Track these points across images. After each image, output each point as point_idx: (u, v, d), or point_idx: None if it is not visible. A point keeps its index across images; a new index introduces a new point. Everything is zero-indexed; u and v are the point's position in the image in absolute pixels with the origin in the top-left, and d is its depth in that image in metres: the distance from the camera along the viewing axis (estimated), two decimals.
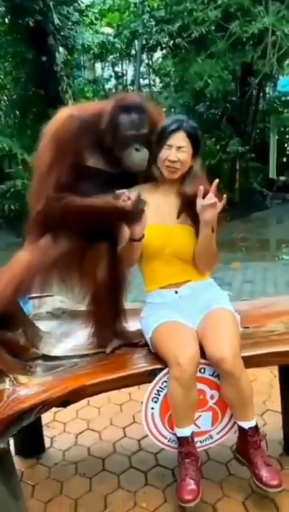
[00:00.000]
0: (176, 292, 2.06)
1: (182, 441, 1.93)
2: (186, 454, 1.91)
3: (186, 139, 1.98)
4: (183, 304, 2.04)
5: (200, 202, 1.92)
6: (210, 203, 1.91)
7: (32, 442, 2.40)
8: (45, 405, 1.80)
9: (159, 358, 1.95)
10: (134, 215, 1.89)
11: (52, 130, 1.94)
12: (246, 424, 1.93)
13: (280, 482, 1.85)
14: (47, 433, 2.52)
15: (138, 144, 1.92)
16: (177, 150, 1.96)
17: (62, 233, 1.95)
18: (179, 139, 1.97)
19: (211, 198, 1.91)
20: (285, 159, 16.11)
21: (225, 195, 1.96)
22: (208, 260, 2.07)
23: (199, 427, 2.01)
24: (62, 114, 1.96)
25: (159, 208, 2.02)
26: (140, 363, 1.98)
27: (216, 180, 1.96)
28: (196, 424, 1.99)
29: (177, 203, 2.03)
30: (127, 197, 1.85)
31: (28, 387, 1.85)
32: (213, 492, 2.07)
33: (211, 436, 2.04)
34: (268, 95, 13.82)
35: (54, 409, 2.05)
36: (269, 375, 2.91)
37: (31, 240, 2.01)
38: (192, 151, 2.00)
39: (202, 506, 1.98)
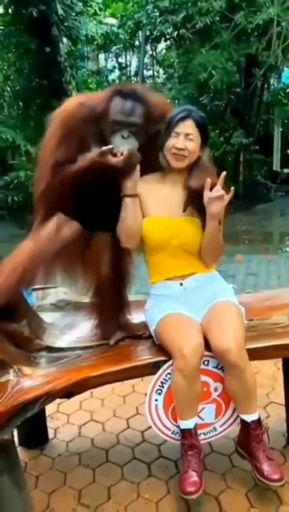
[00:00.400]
0: (181, 284, 2.05)
1: (185, 434, 1.93)
2: (189, 446, 1.92)
3: (194, 127, 1.97)
4: (188, 296, 2.04)
5: (207, 194, 1.91)
6: (217, 195, 1.89)
7: (36, 433, 2.41)
8: (49, 396, 1.80)
9: (163, 350, 1.95)
10: (126, 169, 1.87)
11: (60, 116, 1.94)
12: (249, 418, 1.93)
13: (281, 476, 1.85)
14: (50, 424, 2.53)
15: (126, 131, 1.88)
16: (185, 138, 1.95)
17: (65, 212, 1.95)
18: (187, 127, 1.96)
19: (219, 190, 1.90)
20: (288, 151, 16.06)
21: (232, 188, 1.95)
22: (214, 252, 2.06)
23: (203, 419, 2.01)
24: (72, 102, 1.97)
25: (166, 199, 2.01)
26: (144, 355, 1.98)
27: (224, 173, 1.94)
28: (199, 417, 1.99)
29: (184, 195, 2.01)
30: (119, 152, 1.83)
31: (32, 379, 1.85)
32: (216, 484, 2.07)
33: (214, 429, 2.04)
34: (272, 87, 13.73)
35: (58, 400, 2.07)
36: (273, 368, 2.91)
37: (37, 225, 2.01)
38: (200, 141, 1.99)
39: (205, 498, 1.99)
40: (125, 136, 1.88)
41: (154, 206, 2.01)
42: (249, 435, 1.93)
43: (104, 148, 1.82)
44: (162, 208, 2.00)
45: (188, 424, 1.92)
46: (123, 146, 1.86)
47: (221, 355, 1.87)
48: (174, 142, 1.95)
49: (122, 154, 1.83)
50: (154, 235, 1.99)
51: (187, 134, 1.95)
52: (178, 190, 2.03)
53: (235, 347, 1.84)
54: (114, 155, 1.83)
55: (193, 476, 1.86)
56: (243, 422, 1.95)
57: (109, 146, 1.83)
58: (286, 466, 2.14)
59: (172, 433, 2.00)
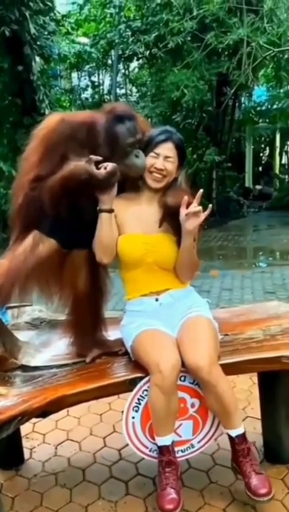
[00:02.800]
0: (157, 300, 2.06)
1: (163, 450, 1.92)
2: (166, 462, 1.91)
3: (173, 150, 2.01)
4: (163, 312, 2.05)
5: (183, 211, 1.93)
6: (194, 211, 1.92)
7: (11, 454, 2.36)
8: (25, 416, 1.79)
9: (139, 367, 1.95)
10: (105, 184, 1.89)
11: (42, 133, 1.96)
12: (232, 432, 1.93)
13: (268, 490, 1.84)
14: (26, 444, 2.49)
15: (136, 149, 1.96)
16: (164, 159, 1.99)
17: (42, 229, 1.96)
18: (167, 149, 2.00)
19: (196, 206, 1.93)
20: (260, 168, 16.37)
21: (210, 205, 2.00)
22: (189, 269, 2.08)
23: (180, 436, 2.01)
24: (53, 118, 1.97)
25: (141, 217, 2.03)
26: (120, 372, 1.98)
27: (201, 191, 1.98)
28: (176, 433, 1.99)
29: (159, 212, 2.03)
30: (103, 166, 1.85)
31: (7, 398, 1.83)
32: (194, 500, 2.06)
33: (192, 445, 2.04)
34: (243, 105, 14.03)
35: (33, 420, 2.04)
36: (248, 382, 2.93)
37: (13, 242, 2.01)
38: (178, 163, 2.03)
39: None
40: (138, 155, 1.96)
41: (129, 223, 2.02)
42: (235, 450, 1.93)
43: (93, 156, 1.84)
44: (138, 225, 2.02)
45: (165, 440, 1.91)
46: (141, 163, 1.97)
47: (193, 372, 1.88)
48: (154, 162, 1.98)
49: (105, 168, 1.85)
50: (130, 251, 2.01)
51: (167, 157, 1.99)
52: (153, 208, 2.05)
53: (207, 363, 1.85)
54: (98, 167, 1.85)
55: (172, 493, 1.85)
56: (229, 437, 1.95)
57: (98, 157, 1.85)
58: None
59: (150, 451, 1.99)
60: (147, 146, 2.00)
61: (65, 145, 1.91)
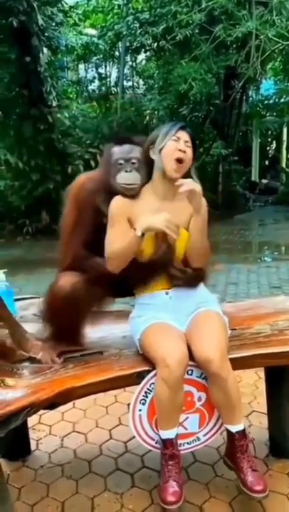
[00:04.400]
0: (167, 293, 2.06)
1: (166, 444, 1.92)
2: (169, 456, 1.91)
3: (188, 137, 2.03)
4: (173, 305, 2.05)
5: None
6: (187, 189, 1.92)
7: (18, 445, 2.38)
8: (33, 408, 1.79)
9: (146, 360, 1.95)
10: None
11: (72, 192, 2.15)
12: (233, 428, 1.93)
13: (264, 487, 1.85)
14: (33, 435, 2.50)
15: (128, 166, 2.04)
16: (184, 144, 2.00)
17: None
18: (185, 135, 2.02)
19: (186, 184, 1.92)
20: (267, 162, 16.30)
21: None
22: (200, 253, 2.06)
23: (186, 429, 2.02)
24: (80, 178, 2.19)
25: (158, 211, 2.00)
26: (128, 365, 1.98)
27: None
28: (183, 426, 2.00)
29: (175, 207, 2.02)
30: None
31: (16, 390, 1.84)
32: (199, 493, 2.08)
33: (198, 438, 2.05)
34: (251, 99, 13.94)
35: (40, 411, 2.05)
36: (254, 377, 2.93)
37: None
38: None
39: (189, 508, 1.99)
40: (128, 170, 2.03)
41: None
42: (234, 445, 1.93)
43: None
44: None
45: (169, 434, 1.92)
46: (126, 177, 2.03)
47: (203, 365, 1.88)
48: (176, 145, 1.98)
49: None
50: (148, 251, 2.02)
51: (186, 141, 2.00)
52: (170, 204, 2.04)
53: (218, 357, 1.85)
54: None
55: (174, 486, 1.86)
56: (229, 432, 1.96)
57: None
58: (269, 475, 2.15)
59: (156, 443, 2.00)
60: (166, 132, 2.01)
61: (93, 198, 2.08)
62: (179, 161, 1.97)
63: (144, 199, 2.05)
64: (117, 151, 2.07)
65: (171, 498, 1.83)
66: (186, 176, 2.02)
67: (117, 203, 2.03)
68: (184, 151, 1.98)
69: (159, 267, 2.04)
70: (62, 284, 2.01)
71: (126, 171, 2.03)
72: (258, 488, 1.84)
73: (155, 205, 2.03)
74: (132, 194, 2.04)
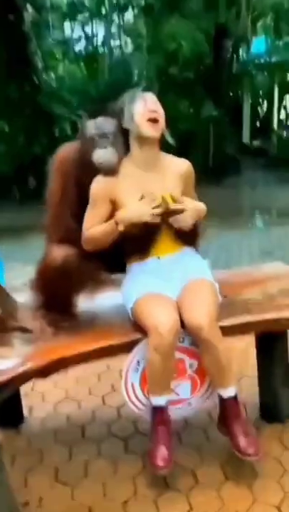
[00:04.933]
0: (159, 258, 2.05)
1: (157, 409, 1.94)
2: (159, 421, 1.93)
3: (155, 99, 2.02)
4: (164, 270, 2.04)
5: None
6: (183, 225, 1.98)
7: (11, 412, 2.39)
8: (25, 377, 1.79)
9: (138, 329, 1.94)
10: None
11: (56, 164, 2.09)
12: (225, 393, 1.93)
13: (256, 450, 1.86)
14: (26, 403, 2.51)
15: (104, 143, 1.97)
16: (152, 103, 1.98)
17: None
18: (151, 96, 2.02)
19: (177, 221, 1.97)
20: (258, 124, 16.13)
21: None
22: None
23: (178, 395, 2.03)
24: (63, 149, 2.12)
25: (144, 186, 1.98)
26: (120, 334, 1.97)
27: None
28: (175, 392, 2.01)
29: (159, 176, 2.03)
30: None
31: (7, 360, 1.83)
32: (191, 457, 2.11)
33: (189, 404, 2.07)
34: (241, 58, 13.67)
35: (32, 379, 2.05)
36: (245, 342, 2.94)
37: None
38: None
39: (181, 471, 2.02)
40: (103, 147, 1.97)
41: (132, 196, 1.98)
42: (226, 411, 1.94)
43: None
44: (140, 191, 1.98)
45: (159, 400, 1.93)
46: (101, 154, 1.96)
47: (194, 331, 1.88)
48: (143, 105, 1.97)
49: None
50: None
51: (152, 98, 2.00)
52: (153, 173, 2.03)
53: (207, 323, 1.85)
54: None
55: (164, 451, 1.88)
56: (220, 398, 1.96)
57: None
58: (260, 439, 2.18)
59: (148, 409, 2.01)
60: (132, 98, 1.99)
61: (76, 171, 2.04)
62: (153, 120, 1.96)
63: (126, 174, 2.01)
64: (91, 125, 2.01)
65: (161, 462, 1.86)
66: (161, 137, 2.02)
67: (99, 184, 2.00)
68: (155, 110, 1.97)
69: (149, 236, 2.01)
70: (54, 257, 1.98)
71: (101, 148, 1.97)
72: (250, 451, 1.86)
73: (139, 179, 2.00)
74: (111, 171, 1.99)
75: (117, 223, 1.92)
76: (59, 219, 2.06)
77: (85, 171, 2.01)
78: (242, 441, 1.88)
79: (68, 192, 2.04)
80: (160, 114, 1.98)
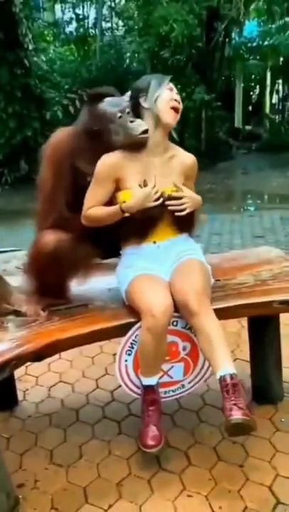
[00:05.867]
0: (155, 242, 2.06)
1: (148, 390, 1.96)
2: (150, 401, 1.95)
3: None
4: (160, 253, 2.05)
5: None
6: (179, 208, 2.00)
7: (5, 396, 2.40)
8: (19, 360, 1.79)
9: (132, 312, 1.95)
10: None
11: (50, 150, 2.05)
12: (220, 372, 1.80)
13: (243, 413, 1.69)
14: (20, 386, 2.53)
15: (128, 116, 1.98)
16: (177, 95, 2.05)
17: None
18: (174, 88, 2.07)
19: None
20: (250, 108, 16.06)
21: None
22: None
23: (172, 377, 2.05)
24: (57, 135, 2.08)
25: (147, 170, 2.01)
26: (114, 317, 1.98)
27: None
28: (168, 375, 2.03)
29: (165, 163, 2.06)
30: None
31: (1, 343, 1.84)
32: (184, 439, 2.14)
33: (182, 386, 2.09)
34: (233, 41, 13.56)
35: (26, 363, 2.06)
36: (237, 326, 2.98)
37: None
38: None
39: (174, 453, 2.05)
40: (132, 120, 1.97)
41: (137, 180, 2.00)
42: (221, 389, 1.79)
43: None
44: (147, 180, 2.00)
45: (151, 381, 1.95)
46: (138, 126, 1.95)
47: (182, 307, 1.88)
48: (172, 95, 2.02)
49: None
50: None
51: (177, 93, 2.05)
52: (160, 160, 2.05)
53: (193, 296, 1.85)
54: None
55: (154, 431, 1.91)
56: (218, 381, 1.82)
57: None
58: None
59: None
60: (161, 82, 2.02)
61: (71, 157, 2.01)
62: (176, 110, 2.02)
63: (135, 156, 2.01)
64: (108, 105, 1.99)
65: (151, 441, 1.89)
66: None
67: (105, 163, 1.99)
68: (180, 101, 2.03)
69: (149, 221, 2.02)
70: (46, 242, 1.97)
71: (132, 121, 1.96)
72: (235, 412, 1.70)
73: (145, 162, 2.02)
74: (142, 143, 2.00)
75: (123, 211, 1.94)
76: (52, 205, 2.03)
77: (81, 155, 2.00)
78: (233, 412, 1.71)
79: (62, 179, 2.02)
80: (181, 106, 2.04)
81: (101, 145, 1.99)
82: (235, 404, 1.73)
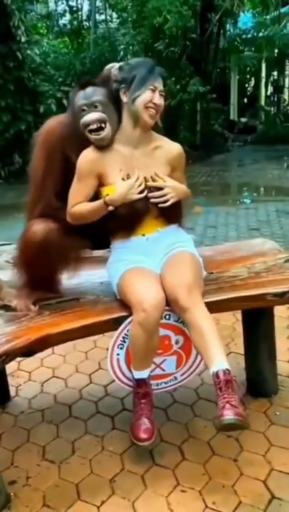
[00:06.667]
0: (144, 235, 2.03)
1: (139, 383, 1.94)
2: (142, 394, 1.93)
3: (162, 86, 1.98)
4: (149, 246, 2.03)
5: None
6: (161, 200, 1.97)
7: None
8: (9, 355, 1.77)
9: (124, 306, 1.93)
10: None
11: (41, 138, 2.03)
12: (214, 368, 1.77)
13: (235, 413, 1.66)
14: (12, 382, 2.50)
15: (92, 112, 1.91)
16: (159, 94, 1.94)
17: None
18: (160, 83, 1.96)
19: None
20: (245, 100, 16.01)
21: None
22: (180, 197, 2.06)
23: (164, 370, 2.03)
24: (48, 123, 2.06)
25: (128, 163, 1.97)
26: (105, 311, 1.96)
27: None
28: (160, 368, 2.01)
29: (149, 156, 2.01)
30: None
31: None
32: (178, 434, 2.12)
33: (175, 378, 2.07)
34: (228, 33, 13.48)
35: (18, 358, 2.03)
36: (232, 319, 2.96)
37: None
38: None
39: (168, 448, 2.03)
40: (89, 111, 1.92)
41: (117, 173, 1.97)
42: (214, 385, 1.76)
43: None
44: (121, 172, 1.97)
45: (142, 374, 1.94)
46: (88, 119, 1.89)
47: (173, 302, 1.86)
48: (152, 97, 1.92)
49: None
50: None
51: (160, 91, 1.95)
52: (143, 153, 2.01)
53: (184, 291, 1.82)
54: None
55: (146, 424, 1.89)
56: (212, 377, 1.79)
57: None
58: (246, 414, 2.19)
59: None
60: (143, 79, 1.91)
61: (63, 146, 1.98)
62: (153, 111, 1.95)
63: (115, 149, 1.98)
64: (80, 96, 1.93)
65: (144, 434, 1.87)
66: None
67: (86, 158, 1.96)
68: (159, 105, 1.95)
69: (136, 214, 1.99)
70: (34, 231, 1.94)
71: (83, 115, 1.91)
72: (227, 412, 1.66)
73: (126, 156, 1.99)
74: (102, 145, 1.95)
75: (107, 204, 1.90)
76: (41, 194, 2.01)
77: (72, 145, 1.96)
78: (225, 410, 1.68)
79: (53, 167, 1.99)
80: (162, 105, 1.96)
81: (84, 136, 1.95)
82: (228, 402, 1.70)
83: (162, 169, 2.03)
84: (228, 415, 1.66)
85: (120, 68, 1.98)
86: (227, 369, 1.77)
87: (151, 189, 1.97)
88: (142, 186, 1.93)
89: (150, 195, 1.96)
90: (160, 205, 1.98)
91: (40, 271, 2.00)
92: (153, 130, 2.05)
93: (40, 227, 1.94)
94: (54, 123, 2.04)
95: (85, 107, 1.91)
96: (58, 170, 1.99)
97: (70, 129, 1.97)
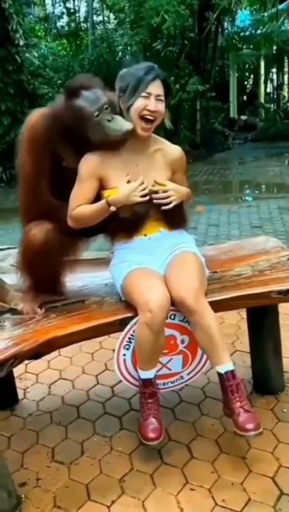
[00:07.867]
0: (146, 235, 2.05)
1: (146, 383, 1.95)
2: (149, 394, 1.94)
3: (161, 87, 1.92)
4: (152, 246, 2.04)
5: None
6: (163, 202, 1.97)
7: (5, 394, 2.39)
8: (17, 359, 1.78)
9: (129, 307, 1.94)
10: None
11: (26, 133, 1.96)
12: (221, 369, 1.87)
13: (256, 426, 1.78)
14: (20, 385, 2.52)
15: (106, 115, 1.87)
16: (156, 99, 1.90)
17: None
18: (158, 88, 1.91)
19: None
20: (245, 98, 15.99)
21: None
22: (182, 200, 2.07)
23: (170, 369, 2.04)
24: (33, 116, 1.98)
25: (128, 167, 1.97)
26: (110, 313, 1.97)
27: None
28: (167, 367, 2.03)
29: (149, 160, 2.01)
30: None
31: None
32: (186, 432, 2.13)
33: (181, 377, 2.08)
34: (226, 31, 13.47)
35: (26, 361, 2.05)
36: (236, 317, 2.97)
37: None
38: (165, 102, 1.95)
39: (176, 446, 2.04)
40: (110, 119, 1.87)
41: (119, 177, 1.96)
42: (224, 387, 1.87)
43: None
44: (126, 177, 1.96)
45: (148, 374, 1.94)
46: (113, 125, 1.87)
47: (179, 305, 1.88)
48: (146, 103, 1.89)
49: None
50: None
51: (158, 95, 1.90)
52: (144, 157, 2.02)
53: (191, 295, 1.84)
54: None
55: (154, 423, 1.89)
56: (219, 376, 1.89)
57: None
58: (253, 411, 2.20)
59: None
60: (136, 86, 1.89)
61: (49, 139, 1.92)
62: (149, 120, 1.91)
63: (118, 154, 1.98)
64: (85, 101, 1.85)
65: (152, 434, 1.87)
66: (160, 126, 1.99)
67: (88, 162, 1.96)
68: (155, 111, 1.90)
69: (138, 217, 2.00)
70: (34, 233, 1.94)
71: (109, 120, 1.87)
72: (249, 426, 1.78)
73: (127, 159, 1.99)
74: (121, 140, 1.93)
75: (109, 205, 1.90)
76: (35, 194, 1.98)
77: (61, 138, 1.92)
78: (241, 417, 1.80)
79: (43, 165, 1.95)
80: (159, 112, 1.92)
81: (77, 137, 1.91)
82: (242, 407, 1.82)
83: (163, 172, 2.03)
84: (250, 430, 1.78)
85: (120, 77, 1.96)
86: (233, 370, 1.85)
87: (153, 193, 1.97)
88: (146, 190, 1.93)
89: (154, 196, 1.96)
90: (163, 208, 1.98)
91: (43, 273, 2.01)
92: (153, 132, 2.04)
93: (39, 229, 1.94)
94: (37, 117, 1.96)
95: (97, 112, 1.85)
96: (48, 167, 1.95)
97: (54, 123, 1.92)
